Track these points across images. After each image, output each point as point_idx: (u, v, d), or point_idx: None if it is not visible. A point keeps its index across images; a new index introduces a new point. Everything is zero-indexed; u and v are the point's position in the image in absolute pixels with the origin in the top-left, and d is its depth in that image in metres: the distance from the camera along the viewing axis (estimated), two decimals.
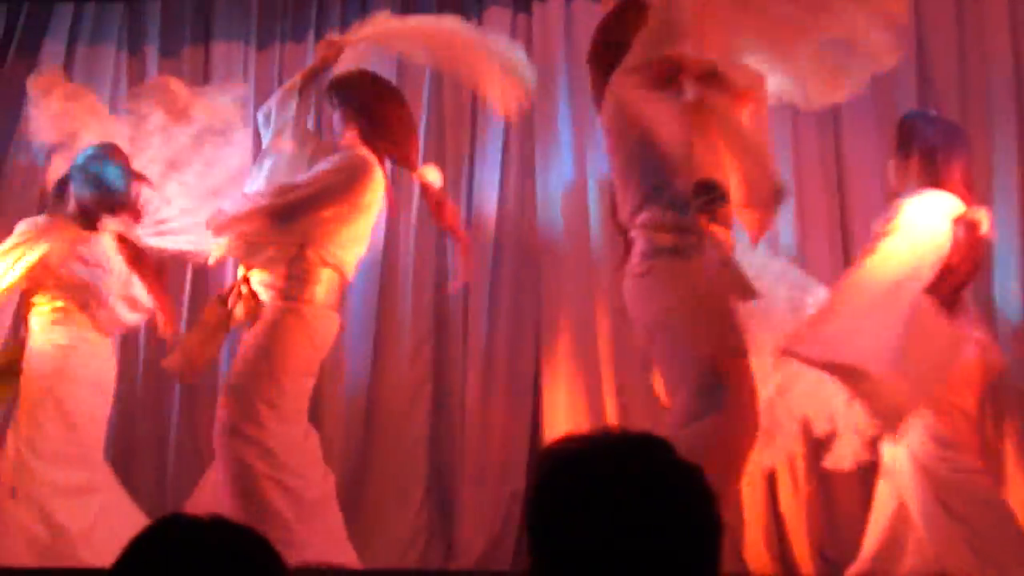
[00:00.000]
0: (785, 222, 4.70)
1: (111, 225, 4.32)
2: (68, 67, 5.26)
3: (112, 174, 4.32)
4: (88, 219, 4.33)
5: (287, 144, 4.13)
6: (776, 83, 3.64)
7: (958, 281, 3.95)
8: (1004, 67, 4.80)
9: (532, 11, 5.18)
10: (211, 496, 3.92)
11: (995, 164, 4.73)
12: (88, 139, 4.44)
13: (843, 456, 3.97)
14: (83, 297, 4.26)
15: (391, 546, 4.86)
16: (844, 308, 3.72)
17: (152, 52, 5.32)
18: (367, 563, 4.57)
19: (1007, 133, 4.75)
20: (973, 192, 4.06)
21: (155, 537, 1.55)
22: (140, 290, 4.36)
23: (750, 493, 4.50)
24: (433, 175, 4.18)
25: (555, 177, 5.01)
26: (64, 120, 4.50)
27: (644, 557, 1.44)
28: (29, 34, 5.32)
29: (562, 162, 5.02)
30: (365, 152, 4.03)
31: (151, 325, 4.54)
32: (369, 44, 4.24)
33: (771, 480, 4.59)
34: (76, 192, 4.33)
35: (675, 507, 1.47)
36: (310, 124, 4.39)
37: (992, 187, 4.70)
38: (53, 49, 5.30)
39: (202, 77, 5.29)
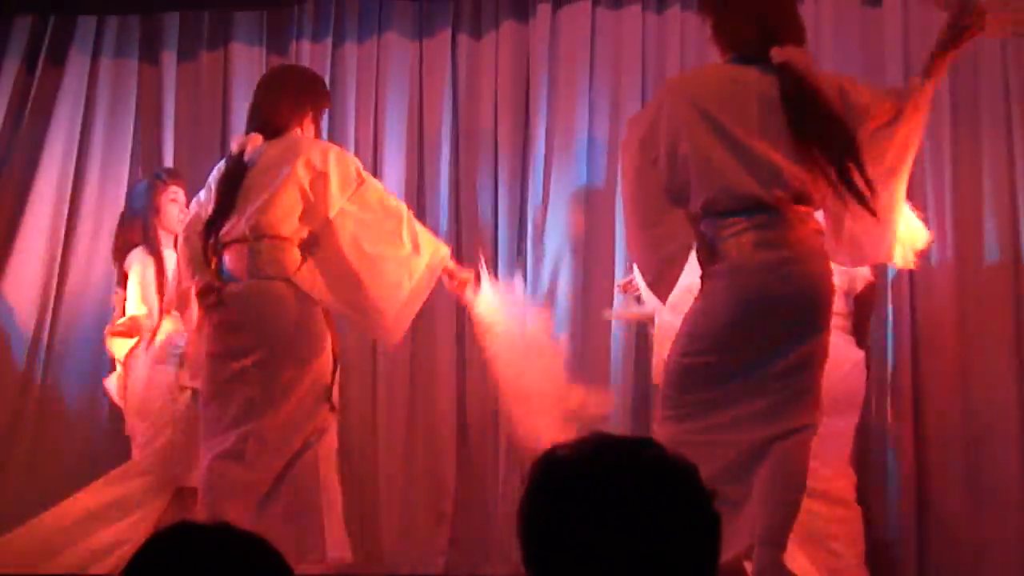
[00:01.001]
0: None
1: None
2: (93, 78, 5.35)
3: None
4: None
5: None
6: None
7: (866, 309, 4.39)
8: (994, 78, 4.79)
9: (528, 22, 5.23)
10: None
11: (984, 175, 4.74)
12: None
13: None
14: None
15: (419, 553, 4.91)
16: None
17: (171, 58, 5.37)
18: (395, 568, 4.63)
19: (997, 144, 4.74)
20: None
21: (162, 545, 1.57)
22: None
23: None
24: None
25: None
26: None
27: (639, 560, 1.44)
28: (56, 44, 5.38)
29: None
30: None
31: None
32: None
33: None
34: None
35: (669, 508, 1.46)
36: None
37: (983, 199, 4.70)
38: (79, 60, 5.37)
39: (222, 82, 5.35)
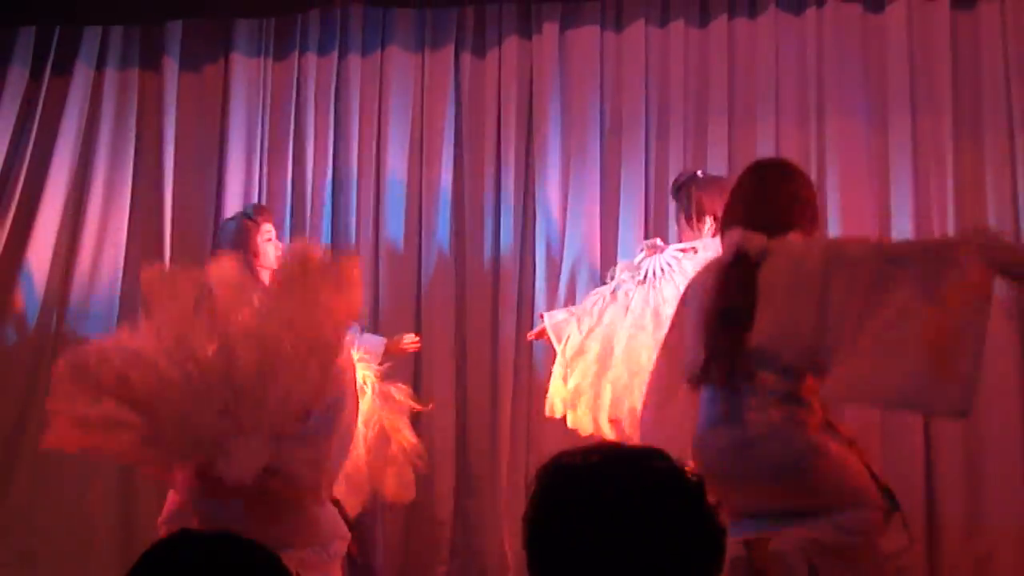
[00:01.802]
0: None
1: None
2: (98, 87, 5.36)
3: None
4: None
5: None
6: None
7: None
8: (995, 78, 4.80)
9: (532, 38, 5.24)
10: None
11: (986, 175, 4.75)
12: None
13: None
14: None
15: (419, 562, 4.90)
16: None
17: (172, 68, 5.38)
18: None
19: (998, 144, 4.75)
20: None
21: (164, 553, 1.56)
22: None
23: None
24: None
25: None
26: None
27: (642, 569, 1.44)
28: (62, 55, 5.40)
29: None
30: None
31: None
32: None
33: None
34: None
35: (674, 518, 1.47)
36: None
37: (986, 200, 4.71)
38: (84, 69, 5.37)
39: (221, 92, 5.36)
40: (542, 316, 4.58)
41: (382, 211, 5.21)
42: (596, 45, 5.16)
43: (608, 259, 5.00)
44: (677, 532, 1.46)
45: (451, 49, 5.28)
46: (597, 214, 5.07)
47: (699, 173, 4.45)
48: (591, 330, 4.28)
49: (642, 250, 4.41)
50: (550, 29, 5.18)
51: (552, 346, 4.47)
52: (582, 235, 5.04)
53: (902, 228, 4.72)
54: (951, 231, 4.72)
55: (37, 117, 5.33)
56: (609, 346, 4.17)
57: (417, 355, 5.02)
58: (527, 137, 5.18)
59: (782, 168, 3.51)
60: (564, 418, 4.86)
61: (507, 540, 4.81)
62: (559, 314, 4.48)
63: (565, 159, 5.12)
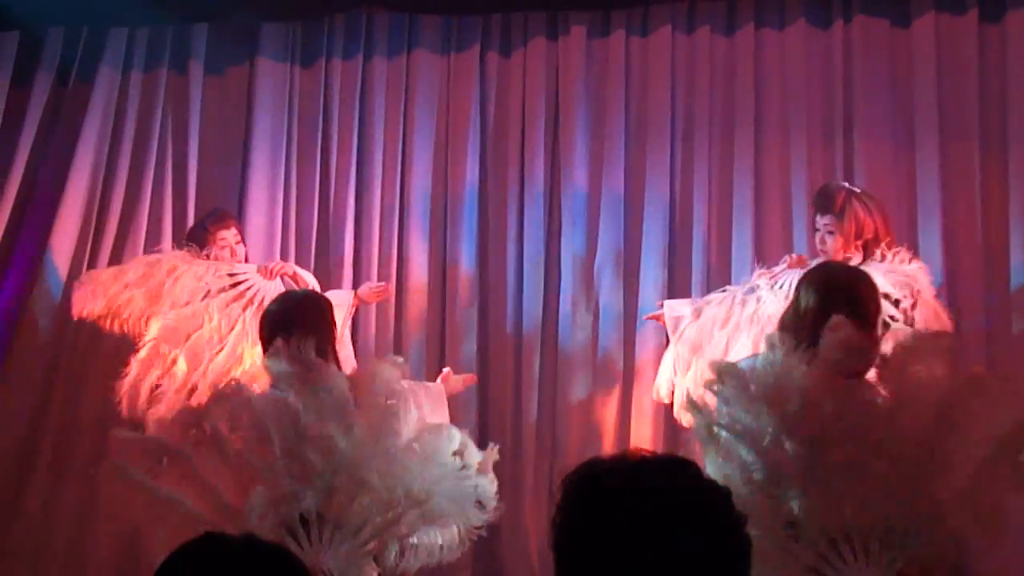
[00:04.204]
0: (800, 242, 4.76)
1: None
2: (123, 91, 5.38)
3: None
4: None
5: None
6: None
7: None
8: (1022, 89, 4.77)
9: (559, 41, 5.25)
10: None
11: (1011, 192, 4.74)
12: None
13: None
14: None
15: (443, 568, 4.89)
16: None
17: (197, 70, 5.40)
18: None
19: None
20: None
21: (188, 556, 1.56)
22: None
23: None
24: None
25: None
26: None
27: None
28: (88, 57, 5.43)
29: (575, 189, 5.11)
30: None
31: None
32: None
33: None
34: None
35: (702, 528, 1.48)
36: None
37: (1008, 216, 4.70)
38: (110, 73, 5.40)
39: (246, 95, 5.37)
40: (661, 304, 4.53)
41: (407, 215, 5.22)
42: (622, 49, 5.16)
43: (633, 264, 5.00)
44: (704, 542, 1.47)
45: (476, 50, 5.29)
46: (622, 218, 5.07)
47: (851, 186, 4.34)
48: (711, 331, 4.20)
49: (784, 260, 4.34)
50: (577, 31, 5.19)
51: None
52: (608, 239, 5.04)
53: (930, 249, 4.69)
54: (979, 241, 4.70)
55: (62, 119, 5.35)
56: (727, 351, 4.07)
57: (441, 358, 5.04)
58: (553, 140, 5.19)
59: None
60: (587, 421, 4.90)
61: (532, 544, 4.80)
62: (680, 307, 4.39)
63: (591, 163, 5.12)
